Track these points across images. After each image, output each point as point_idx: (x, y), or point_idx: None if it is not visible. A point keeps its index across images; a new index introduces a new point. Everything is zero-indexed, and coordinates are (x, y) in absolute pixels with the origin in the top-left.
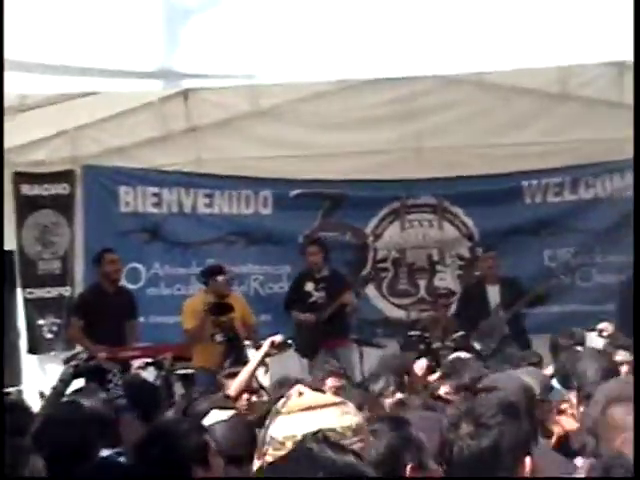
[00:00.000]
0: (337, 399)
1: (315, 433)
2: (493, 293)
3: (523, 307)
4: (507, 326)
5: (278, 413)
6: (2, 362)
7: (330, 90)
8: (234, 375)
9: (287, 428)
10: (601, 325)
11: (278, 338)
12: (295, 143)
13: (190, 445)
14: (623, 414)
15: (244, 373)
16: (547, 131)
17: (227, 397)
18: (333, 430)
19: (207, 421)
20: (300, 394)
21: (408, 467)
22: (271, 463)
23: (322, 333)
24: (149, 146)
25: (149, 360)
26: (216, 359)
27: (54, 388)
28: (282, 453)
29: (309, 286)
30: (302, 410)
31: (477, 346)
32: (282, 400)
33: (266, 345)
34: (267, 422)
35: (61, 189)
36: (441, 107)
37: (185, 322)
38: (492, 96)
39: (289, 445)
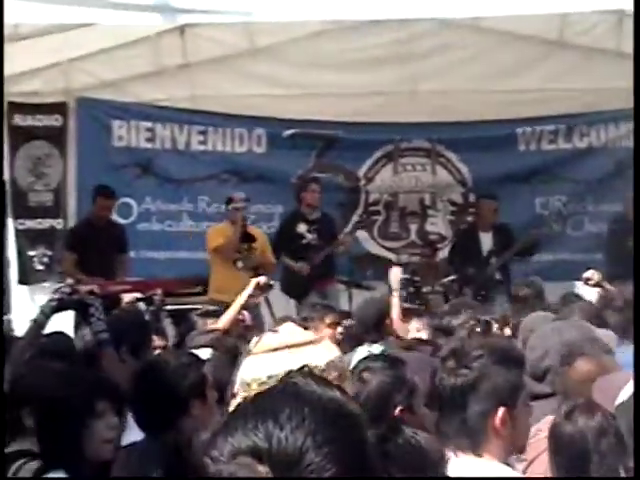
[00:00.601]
0: (309, 336)
1: (301, 368)
2: (486, 240)
3: (514, 255)
4: (498, 273)
5: (249, 353)
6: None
7: (327, 30)
8: (207, 314)
9: (253, 369)
10: (587, 273)
11: (262, 280)
12: (290, 82)
13: (189, 378)
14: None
15: (231, 311)
16: (543, 78)
17: (211, 331)
18: (300, 370)
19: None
20: (273, 332)
21: (397, 409)
22: (257, 395)
23: (312, 274)
24: (144, 80)
25: (139, 295)
26: (238, 285)
27: (34, 320)
28: (249, 394)
29: (301, 227)
30: (268, 351)
31: (467, 292)
32: (254, 340)
33: (251, 286)
34: (238, 362)
35: (54, 121)
36: (438, 50)
37: (210, 243)
38: (489, 41)
39: (254, 387)
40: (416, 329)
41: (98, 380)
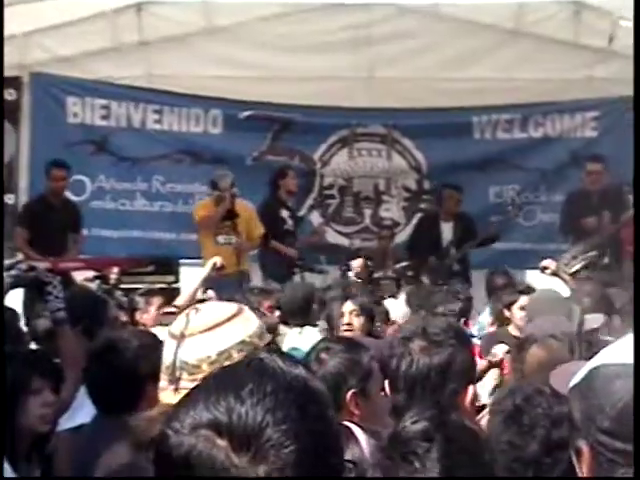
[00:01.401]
0: (234, 308)
1: (268, 344)
2: (447, 229)
3: (474, 246)
4: (457, 264)
5: (182, 336)
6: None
7: (286, 12)
8: (151, 293)
9: (197, 350)
10: (544, 262)
11: (219, 261)
12: (247, 64)
13: (149, 359)
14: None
15: (190, 290)
16: (500, 67)
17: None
18: (242, 342)
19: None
20: (197, 311)
21: (349, 392)
22: (221, 369)
23: None
24: (99, 57)
25: (96, 273)
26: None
27: None
28: (200, 376)
29: (284, 213)
30: (205, 331)
31: (425, 280)
32: (179, 321)
33: (208, 266)
34: (168, 346)
35: (8, 95)
36: (396, 37)
37: (194, 216)
38: (447, 29)
39: (205, 367)
40: (349, 311)
41: (35, 357)
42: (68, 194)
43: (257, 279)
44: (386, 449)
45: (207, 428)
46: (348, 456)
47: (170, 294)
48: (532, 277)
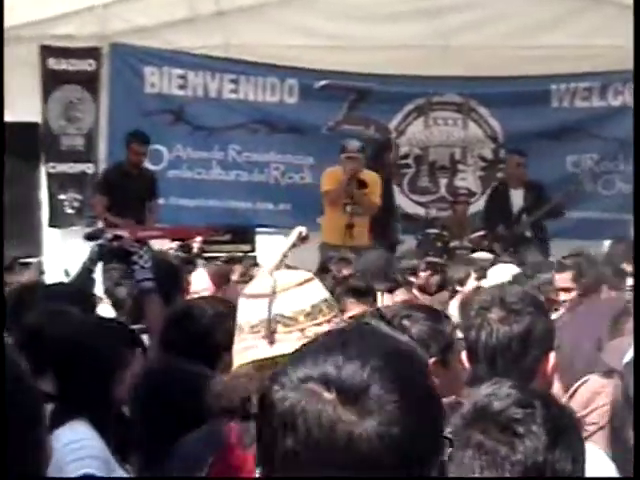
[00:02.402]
0: (308, 274)
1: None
2: (517, 197)
3: (545, 214)
4: (530, 230)
5: (274, 293)
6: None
7: None
8: (233, 261)
9: (293, 304)
10: None
11: (304, 230)
12: (323, 33)
13: (224, 327)
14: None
15: (278, 256)
16: (578, 35)
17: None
18: (327, 300)
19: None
20: (270, 272)
21: (430, 361)
22: (328, 332)
23: None
24: (177, 28)
25: (180, 243)
26: (339, 233)
27: (83, 266)
28: (296, 328)
29: None
30: (297, 285)
31: (497, 248)
32: (265, 280)
33: (294, 235)
34: (255, 304)
35: (87, 65)
36: (472, 5)
37: (322, 186)
38: None
39: (301, 319)
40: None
41: (123, 329)
42: (146, 163)
43: None
44: (474, 421)
45: (316, 382)
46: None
47: (247, 262)
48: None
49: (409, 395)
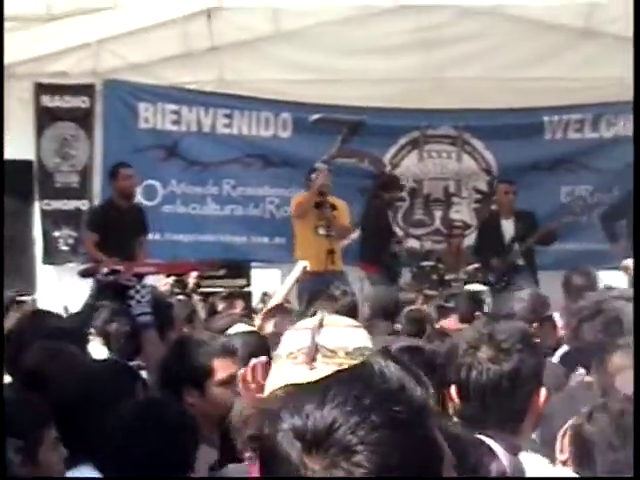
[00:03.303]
0: (357, 323)
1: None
2: (508, 226)
3: (536, 241)
4: (521, 259)
5: (321, 326)
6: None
7: (353, 16)
8: (233, 296)
9: (337, 339)
10: (625, 262)
11: (308, 264)
12: (317, 67)
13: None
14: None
15: (284, 289)
16: (570, 67)
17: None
18: (368, 348)
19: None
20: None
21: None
22: (331, 374)
23: None
24: (171, 64)
25: (176, 278)
26: (319, 258)
27: (85, 303)
28: (334, 361)
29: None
30: (345, 326)
31: (491, 278)
32: (311, 319)
33: (298, 270)
34: (300, 335)
35: (81, 102)
36: (465, 38)
37: (292, 208)
38: (516, 29)
39: (341, 354)
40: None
41: (126, 368)
42: (139, 199)
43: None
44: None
45: (290, 432)
46: (492, 474)
47: (242, 297)
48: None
49: (391, 443)
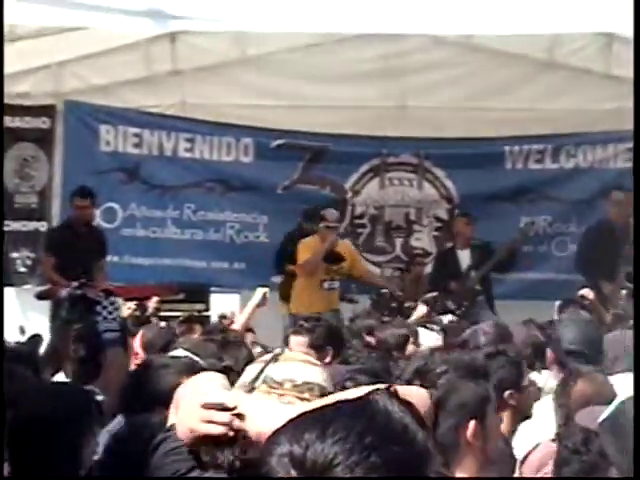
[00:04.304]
0: (317, 362)
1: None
2: (464, 257)
3: (493, 268)
4: (479, 286)
5: (276, 360)
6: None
7: (317, 42)
8: (191, 321)
9: (286, 372)
10: (583, 291)
11: (268, 291)
12: (280, 93)
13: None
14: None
15: (245, 314)
16: (532, 98)
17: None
18: (322, 387)
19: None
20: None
21: None
22: (331, 404)
23: None
24: (133, 86)
25: (136, 302)
26: (321, 306)
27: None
28: (278, 392)
29: None
30: (301, 361)
31: (451, 306)
32: (272, 354)
33: (258, 296)
34: (255, 368)
35: (42, 123)
36: (428, 67)
37: (300, 257)
38: (479, 59)
39: (287, 386)
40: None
41: (83, 393)
42: (99, 221)
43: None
44: None
45: (289, 458)
46: None
47: (201, 322)
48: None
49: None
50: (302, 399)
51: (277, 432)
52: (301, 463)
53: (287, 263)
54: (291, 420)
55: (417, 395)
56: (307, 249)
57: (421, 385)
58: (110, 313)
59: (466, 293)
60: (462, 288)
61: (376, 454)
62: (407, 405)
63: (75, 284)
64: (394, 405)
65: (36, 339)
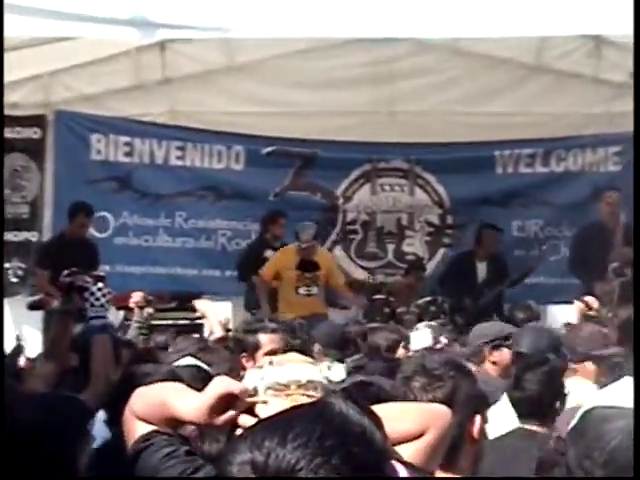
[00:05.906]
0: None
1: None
2: (482, 269)
3: (508, 285)
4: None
5: (271, 364)
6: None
7: (306, 49)
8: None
9: (289, 374)
10: (587, 298)
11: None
12: (269, 100)
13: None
14: None
15: (217, 327)
16: (521, 102)
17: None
18: (321, 382)
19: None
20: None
21: None
22: (288, 409)
23: None
24: (123, 95)
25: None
26: (299, 310)
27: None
28: (285, 393)
29: (268, 253)
30: (300, 362)
31: (459, 320)
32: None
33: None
34: (254, 373)
35: (32, 133)
36: (416, 72)
37: (267, 267)
38: (468, 64)
39: (293, 387)
40: None
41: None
42: (91, 231)
43: None
44: None
45: (248, 465)
46: None
47: (194, 331)
48: (559, 311)
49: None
50: (309, 396)
51: (235, 441)
52: (263, 471)
53: (251, 273)
54: (248, 428)
55: (438, 413)
56: (275, 262)
57: (422, 382)
58: (97, 299)
59: (478, 309)
60: (474, 306)
61: (337, 456)
62: (362, 406)
63: (65, 272)
64: (349, 407)
65: (17, 349)
